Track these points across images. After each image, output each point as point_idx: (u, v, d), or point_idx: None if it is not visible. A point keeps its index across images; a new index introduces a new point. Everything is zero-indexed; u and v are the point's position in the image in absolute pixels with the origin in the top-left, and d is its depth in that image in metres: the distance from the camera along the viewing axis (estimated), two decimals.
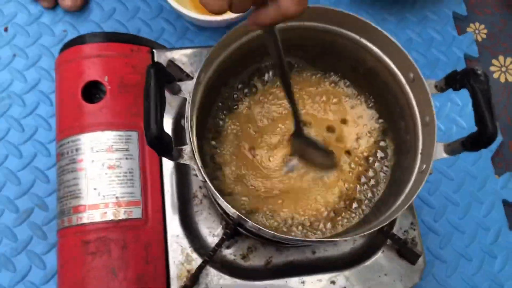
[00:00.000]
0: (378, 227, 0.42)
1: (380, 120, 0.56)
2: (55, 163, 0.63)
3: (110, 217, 0.52)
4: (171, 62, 0.58)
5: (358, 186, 0.54)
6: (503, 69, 0.76)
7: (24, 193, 0.63)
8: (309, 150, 0.54)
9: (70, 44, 0.58)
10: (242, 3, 0.37)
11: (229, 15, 0.66)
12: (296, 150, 0.54)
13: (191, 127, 0.44)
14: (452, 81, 0.44)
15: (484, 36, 0.78)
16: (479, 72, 0.41)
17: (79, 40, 0.58)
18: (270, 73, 0.57)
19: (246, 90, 0.56)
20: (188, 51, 0.60)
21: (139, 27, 0.71)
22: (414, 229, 0.56)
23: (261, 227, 0.43)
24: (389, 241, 0.55)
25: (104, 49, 0.57)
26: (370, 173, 0.54)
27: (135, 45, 0.59)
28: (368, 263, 0.55)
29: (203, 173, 0.42)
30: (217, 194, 0.42)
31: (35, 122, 0.65)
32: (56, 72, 0.59)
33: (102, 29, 0.70)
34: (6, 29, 0.69)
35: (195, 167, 0.43)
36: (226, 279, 0.53)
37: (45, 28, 0.69)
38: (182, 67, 0.59)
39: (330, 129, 0.56)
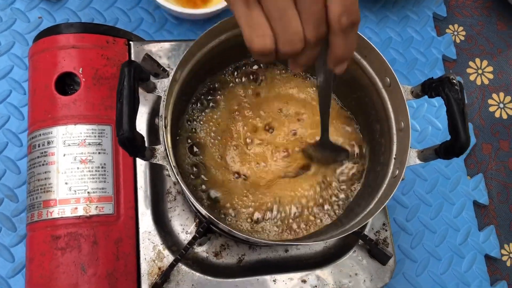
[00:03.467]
0: (352, 231, 0.43)
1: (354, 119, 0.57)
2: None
3: (81, 212, 0.51)
4: (148, 55, 0.57)
5: (332, 187, 0.54)
6: (479, 71, 0.77)
7: None
8: (326, 153, 0.54)
9: (45, 34, 0.56)
10: (291, 44, 0.32)
11: (208, 9, 0.65)
12: (316, 158, 0.55)
13: (165, 126, 0.43)
14: (428, 88, 0.44)
15: (462, 38, 0.78)
16: (454, 81, 0.42)
17: (54, 30, 0.56)
18: (245, 71, 0.57)
19: (222, 89, 0.56)
20: (166, 44, 0.59)
21: (116, 17, 0.69)
22: (386, 230, 0.57)
23: (232, 230, 0.43)
24: (360, 241, 0.56)
25: (80, 40, 0.56)
26: (344, 175, 0.55)
27: (111, 37, 0.58)
28: (339, 262, 0.55)
29: (175, 173, 0.41)
30: (190, 196, 0.42)
31: (6, 111, 0.64)
32: (29, 61, 0.57)
33: (79, 17, 0.68)
34: None
35: (168, 167, 0.42)
36: (198, 277, 0.52)
37: (19, 14, 0.67)
38: (159, 60, 0.58)
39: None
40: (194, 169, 0.54)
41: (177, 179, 0.42)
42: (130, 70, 0.39)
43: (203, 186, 0.53)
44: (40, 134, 0.53)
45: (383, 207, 0.44)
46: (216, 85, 0.56)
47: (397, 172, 0.46)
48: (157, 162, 0.42)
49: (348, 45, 0.34)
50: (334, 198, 0.54)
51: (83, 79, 0.55)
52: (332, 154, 0.55)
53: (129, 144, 0.38)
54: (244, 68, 0.56)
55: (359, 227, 0.44)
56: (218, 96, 0.56)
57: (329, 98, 0.44)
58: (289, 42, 0.32)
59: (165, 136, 0.42)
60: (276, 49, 0.33)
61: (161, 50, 0.59)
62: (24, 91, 0.65)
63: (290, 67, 0.37)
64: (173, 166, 0.42)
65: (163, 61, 0.58)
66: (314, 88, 0.58)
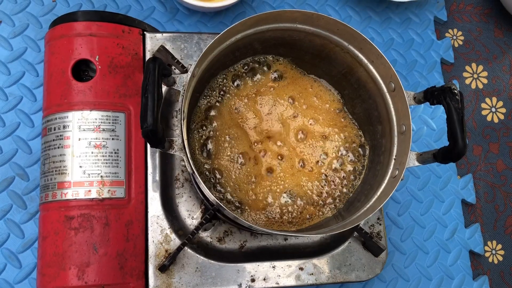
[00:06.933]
0: (352, 226, 0.46)
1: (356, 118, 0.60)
2: (39, 135, 0.64)
3: (94, 195, 0.54)
4: (163, 47, 0.59)
5: (334, 182, 0.57)
6: (475, 76, 0.80)
7: (5, 162, 0.63)
8: None
9: (62, 20, 0.58)
10: None
11: (220, 2, 0.67)
12: None
13: (183, 119, 0.45)
14: (430, 96, 0.47)
15: (461, 42, 0.81)
16: (455, 91, 0.45)
17: (72, 17, 0.58)
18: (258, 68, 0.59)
19: (235, 83, 0.58)
20: (179, 35, 0.61)
21: (129, 4, 0.71)
22: (380, 224, 0.61)
23: (237, 217, 0.46)
24: (355, 234, 0.59)
25: (97, 28, 0.57)
26: (347, 171, 0.58)
27: (127, 26, 0.60)
28: (335, 252, 0.59)
29: (192, 165, 0.44)
30: (203, 185, 0.45)
31: (19, 92, 0.65)
32: (46, 46, 0.59)
33: (92, 3, 0.70)
34: None
35: (185, 158, 0.45)
36: (202, 260, 0.56)
37: None
38: (172, 52, 0.60)
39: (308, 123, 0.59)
40: (205, 158, 0.56)
41: (192, 169, 0.44)
42: (155, 67, 0.41)
43: (212, 175, 0.56)
44: (56, 118, 0.56)
45: (382, 205, 0.47)
46: (225, 80, 0.58)
47: (396, 172, 0.49)
48: (175, 153, 0.45)
49: None
50: (337, 193, 0.57)
51: (99, 67, 0.57)
52: None
53: (153, 137, 0.40)
54: (252, 63, 0.59)
55: (359, 222, 0.47)
56: (227, 90, 0.58)
57: None
58: None
59: (183, 129, 0.45)
60: None
61: (174, 42, 0.61)
62: (36, 73, 0.66)
63: None
64: (190, 158, 0.44)
65: (176, 53, 0.60)
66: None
